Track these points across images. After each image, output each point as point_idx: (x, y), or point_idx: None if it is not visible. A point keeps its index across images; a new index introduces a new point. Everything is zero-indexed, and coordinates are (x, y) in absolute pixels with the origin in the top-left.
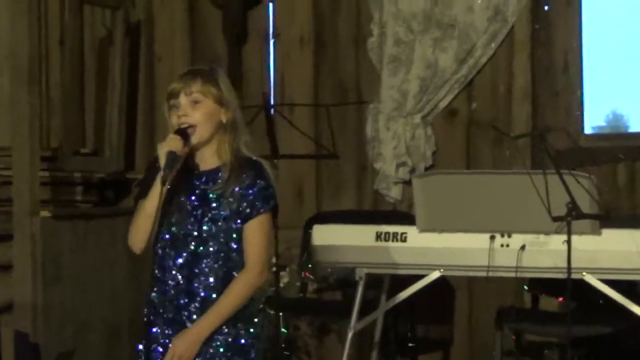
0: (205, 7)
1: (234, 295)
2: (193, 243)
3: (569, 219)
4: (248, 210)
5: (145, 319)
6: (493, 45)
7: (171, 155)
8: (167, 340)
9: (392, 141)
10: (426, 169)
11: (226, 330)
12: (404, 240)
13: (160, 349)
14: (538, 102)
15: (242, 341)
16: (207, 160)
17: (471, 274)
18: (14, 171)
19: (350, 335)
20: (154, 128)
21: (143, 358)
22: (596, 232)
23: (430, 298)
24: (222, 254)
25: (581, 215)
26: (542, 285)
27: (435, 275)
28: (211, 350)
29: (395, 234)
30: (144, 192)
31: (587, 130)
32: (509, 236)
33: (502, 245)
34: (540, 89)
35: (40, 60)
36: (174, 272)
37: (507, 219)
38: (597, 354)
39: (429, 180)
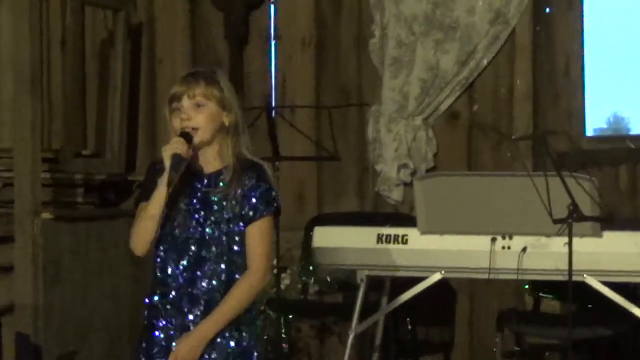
0: (207, 9)
1: (237, 298)
2: (195, 246)
3: (570, 222)
4: (251, 214)
5: (145, 322)
6: (495, 48)
7: (176, 158)
8: (170, 344)
9: (393, 143)
10: (427, 171)
11: (229, 333)
12: (405, 242)
13: (163, 353)
14: (539, 104)
15: (245, 344)
16: (210, 163)
17: (472, 276)
18: (16, 173)
19: (351, 337)
20: (156, 130)
21: None
22: (597, 234)
23: (432, 300)
24: (224, 257)
25: (582, 218)
26: (544, 287)
27: (436, 277)
28: (214, 354)
29: (396, 236)
30: (145, 195)
31: (589, 132)
32: (511, 238)
33: (503, 248)
34: (541, 91)
35: (41, 63)
36: (176, 275)
37: (508, 221)
38: (599, 356)
39: (430, 183)
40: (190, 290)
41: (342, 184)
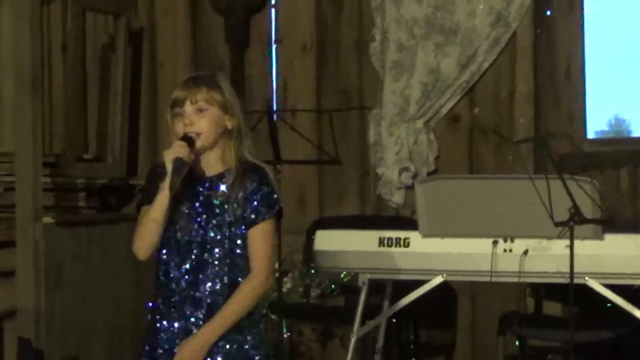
0: (207, 13)
1: (239, 301)
2: (198, 249)
3: (571, 224)
4: (252, 216)
5: (148, 325)
6: (495, 50)
7: (178, 162)
8: (173, 347)
9: (394, 146)
10: (429, 174)
11: (231, 336)
12: (406, 245)
13: (166, 356)
14: (540, 107)
15: (247, 347)
16: (211, 166)
17: (474, 279)
18: (17, 177)
19: (353, 340)
20: (157, 134)
21: None
22: (599, 237)
23: (433, 303)
24: (227, 260)
25: (584, 220)
26: (545, 290)
27: (438, 280)
28: (217, 357)
29: (398, 239)
30: (146, 198)
31: (590, 135)
32: (512, 241)
33: (504, 250)
34: (542, 94)
35: (42, 67)
36: (178, 279)
37: (509, 224)
38: (600, 359)
39: (431, 186)
40: (192, 293)
41: (343, 187)
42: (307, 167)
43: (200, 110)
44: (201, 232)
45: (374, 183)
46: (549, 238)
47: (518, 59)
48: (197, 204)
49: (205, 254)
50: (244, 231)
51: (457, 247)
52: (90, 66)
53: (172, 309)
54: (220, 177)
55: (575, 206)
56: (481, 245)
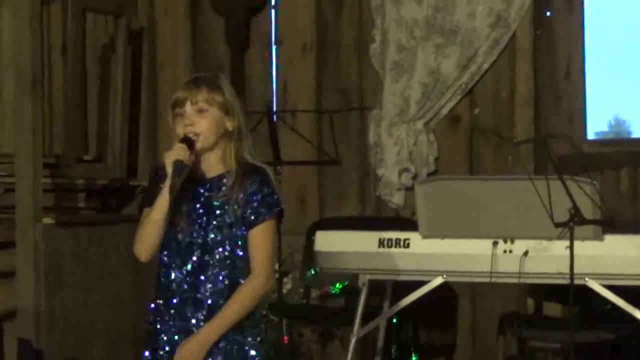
0: (207, 14)
1: (239, 301)
2: (198, 250)
3: (571, 225)
4: (253, 217)
5: (150, 326)
6: (495, 51)
7: (178, 164)
8: (173, 348)
9: (394, 147)
10: (429, 175)
11: (232, 336)
12: (406, 246)
13: (167, 357)
14: (540, 108)
15: (248, 347)
16: (212, 167)
17: (474, 279)
18: (17, 178)
19: (353, 341)
20: (157, 135)
21: None
22: (599, 237)
23: (433, 304)
24: (227, 261)
25: (584, 221)
26: (545, 291)
27: (438, 281)
28: (217, 357)
29: (398, 240)
30: (147, 200)
31: (590, 136)
32: (512, 242)
33: (504, 251)
34: (542, 94)
35: (43, 67)
36: (180, 280)
37: (509, 224)
38: None
39: (431, 186)
40: (193, 294)
41: (343, 188)
42: (307, 167)
43: (201, 111)
44: (202, 233)
45: (374, 184)
46: (549, 239)
47: (518, 60)
48: (197, 206)
49: (206, 255)
50: (244, 232)
51: (457, 248)
52: (91, 67)
53: (173, 310)
54: (220, 179)
55: (575, 207)
56: (481, 246)
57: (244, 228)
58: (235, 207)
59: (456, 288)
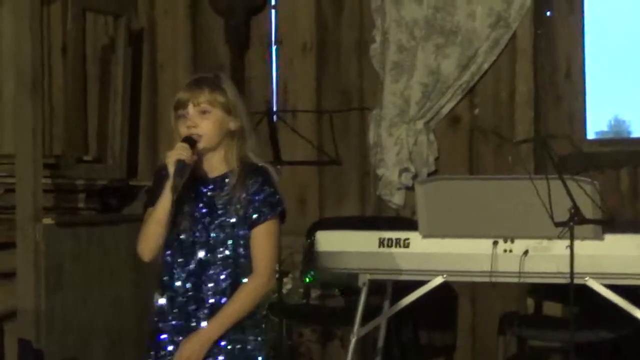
0: (207, 14)
1: (241, 300)
2: (201, 250)
3: (571, 224)
4: (255, 217)
5: (153, 325)
6: (495, 51)
7: (180, 164)
8: (176, 347)
9: (394, 147)
10: (429, 174)
11: (234, 336)
12: (406, 246)
13: (169, 356)
14: (540, 107)
15: (250, 347)
16: (215, 167)
17: (474, 279)
18: (17, 178)
19: (353, 341)
20: (157, 135)
21: None
22: (599, 237)
23: (433, 304)
24: (230, 260)
25: (584, 221)
26: (545, 291)
27: (438, 280)
28: (219, 356)
29: (398, 240)
30: (151, 200)
31: (590, 135)
32: (512, 241)
33: (505, 251)
34: (542, 94)
35: (43, 68)
36: (182, 279)
37: (509, 224)
38: (601, 359)
39: (431, 186)
40: (196, 294)
41: (343, 188)
42: (307, 168)
43: (203, 112)
44: (204, 233)
45: (374, 184)
46: (549, 238)
47: (518, 60)
48: (200, 205)
49: (209, 255)
50: (247, 232)
51: (457, 248)
52: (91, 67)
53: (176, 310)
54: (223, 178)
55: (575, 206)
56: (481, 246)
57: (246, 227)
58: (238, 206)
59: (456, 288)
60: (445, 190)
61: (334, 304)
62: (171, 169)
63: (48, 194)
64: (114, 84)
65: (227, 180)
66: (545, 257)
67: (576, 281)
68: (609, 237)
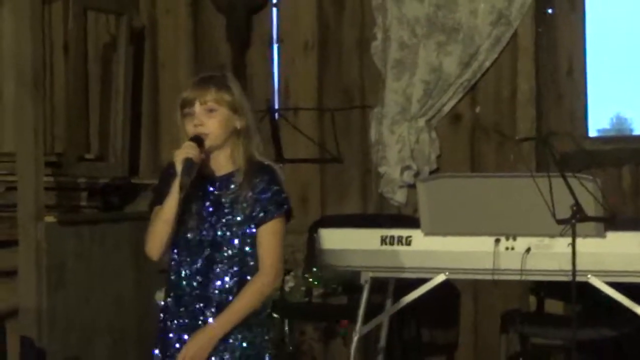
0: (209, 12)
1: (247, 298)
2: (208, 249)
3: (573, 222)
4: (261, 215)
5: (160, 324)
6: (497, 49)
7: (188, 163)
8: (183, 345)
9: (396, 145)
10: (431, 172)
11: (240, 334)
12: (408, 243)
13: (176, 354)
14: (542, 105)
15: (256, 344)
16: (221, 165)
17: (476, 277)
18: (19, 177)
19: (355, 339)
20: (158, 133)
21: None
22: (601, 234)
23: (435, 302)
24: (236, 259)
25: (586, 218)
26: (547, 288)
27: (440, 278)
28: (226, 354)
29: (400, 238)
30: (158, 199)
31: (592, 133)
32: (514, 239)
33: (507, 249)
34: (544, 92)
35: (44, 66)
36: (189, 278)
37: (511, 222)
38: (603, 357)
39: (433, 184)
40: (203, 292)
41: (345, 186)
42: (309, 166)
43: (210, 110)
44: (211, 231)
45: (376, 182)
46: (551, 236)
47: (520, 58)
48: (207, 204)
49: (216, 253)
50: (253, 230)
51: (459, 246)
52: (92, 66)
53: (183, 308)
54: (229, 177)
55: (577, 204)
56: (483, 244)
57: (252, 226)
58: (244, 205)
59: (458, 285)
60: (447, 188)
61: (336, 302)
62: (179, 168)
63: (50, 192)
64: (115, 82)
65: (233, 178)
66: (547, 255)
67: (578, 279)
68: (611, 235)
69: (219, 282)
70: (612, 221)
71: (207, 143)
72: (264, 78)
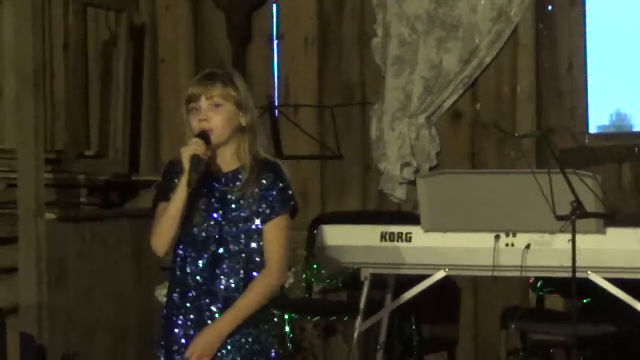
0: (209, 9)
1: (253, 294)
2: (214, 245)
3: (573, 218)
4: (267, 211)
5: (164, 320)
6: (497, 45)
7: (195, 159)
8: (189, 341)
9: (396, 141)
10: (430, 169)
11: (246, 330)
12: (408, 240)
13: (182, 350)
14: (542, 102)
15: (263, 341)
16: (227, 162)
17: (476, 273)
18: (19, 173)
19: (355, 335)
20: (158, 130)
21: (163, 358)
22: (601, 231)
23: (436, 298)
24: (242, 255)
25: (585, 214)
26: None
27: (440, 275)
28: (233, 350)
29: (400, 234)
30: (162, 195)
31: (592, 129)
32: (514, 235)
33: (506, 245)
34: (544, 89)
35: (44, 64)
36: (195, 274)
37: (511, 218)
38: (603, 353)
39: (433, 180)
40: (209, 288)
41: (345, 183)
42: (309, 162)
43: (216, 105)
44: (217, 228)
45: (376, 178)
46: (551, 232)
47: (520, 54)
48: (213, 200)
49: (221, 249)
50: (259, 226)
51: (459, 242)
52: (92, 62)
53: (189, 304)
54: (235, 173)
55: (577, 200)
56: (483, 240)
57: (258, 222)
58: (251, 201)
59: (458, 282)
60: (447, 184)
61: (336, 298)
62: (186, 164)
63: (50, 189)
64: (115, 79)
65: (239, 175)
66: (547, 251)
67: (578, 275)
68: (611, 231)
69: (225, 278)
70: (612, 217)
71: (213, 139)
72: (264, 74)
